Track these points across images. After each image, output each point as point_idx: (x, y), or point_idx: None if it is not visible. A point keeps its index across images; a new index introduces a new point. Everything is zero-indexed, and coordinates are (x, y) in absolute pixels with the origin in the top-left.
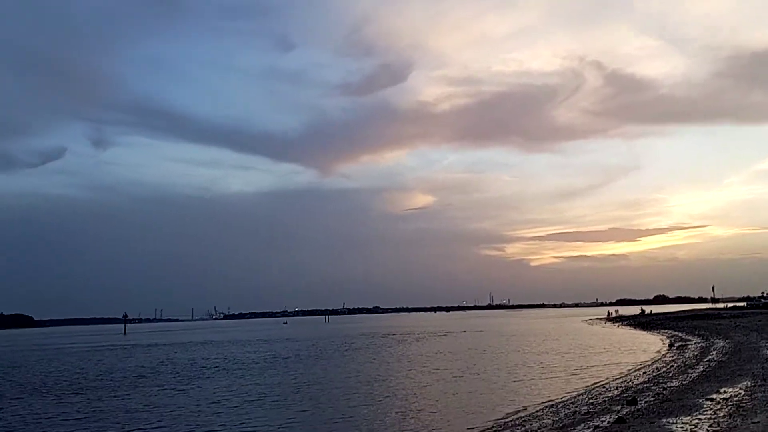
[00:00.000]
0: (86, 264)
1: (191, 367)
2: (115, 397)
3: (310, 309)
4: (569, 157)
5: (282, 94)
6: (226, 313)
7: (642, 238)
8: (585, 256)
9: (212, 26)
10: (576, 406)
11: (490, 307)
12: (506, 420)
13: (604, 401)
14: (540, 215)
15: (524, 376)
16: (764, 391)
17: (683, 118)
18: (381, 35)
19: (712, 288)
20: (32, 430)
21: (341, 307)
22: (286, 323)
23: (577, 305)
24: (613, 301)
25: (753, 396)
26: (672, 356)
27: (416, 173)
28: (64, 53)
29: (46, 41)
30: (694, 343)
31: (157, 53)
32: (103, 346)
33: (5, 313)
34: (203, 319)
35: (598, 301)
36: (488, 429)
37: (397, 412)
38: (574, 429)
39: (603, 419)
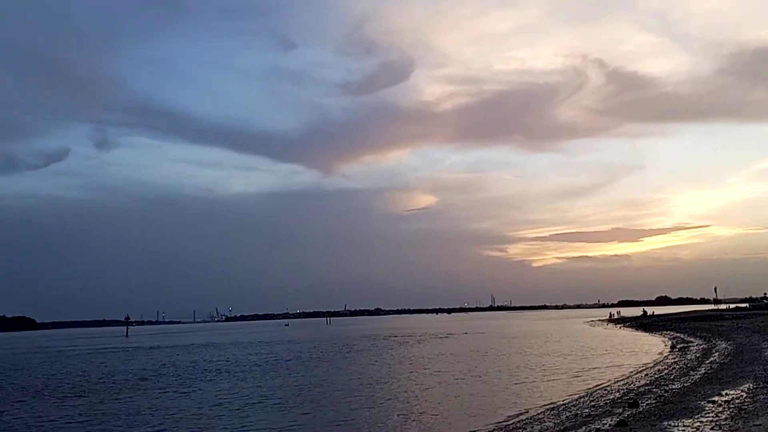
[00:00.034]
0: (88, 266)
1: (193, 369)
2: (117, 399)
3: (311, 311)
4: (571, 156)
5: (283, 94)
6: (228, 315)
7: (644, 239)
8: (587, 256)
9: (213, 26)
10: (577, 409)
11: (491, 308)
12: (508, 423)
13: (606, 404)
14: (542, 215)
15: (526, 378)
16: (766, 393)
17: (685, 116)
18: (382, 34)
19: (715, 289)
20: None
21: (343, 308)
22: (287, 325)
23: (579, 306)
24: (615, 302)
25: (755, 398)
26: (674, 358)
27: (418, 173)
28: (66, 54)
29: (47, 42)
30: (696, 345)
31: (159, 54)
32: (105, 348)
33: (7, 316)
34: (205, 321)
35: (600, 302)
36: (491, 431)
37: (399, 415)
38: (576, 431)
39: (604, 422)
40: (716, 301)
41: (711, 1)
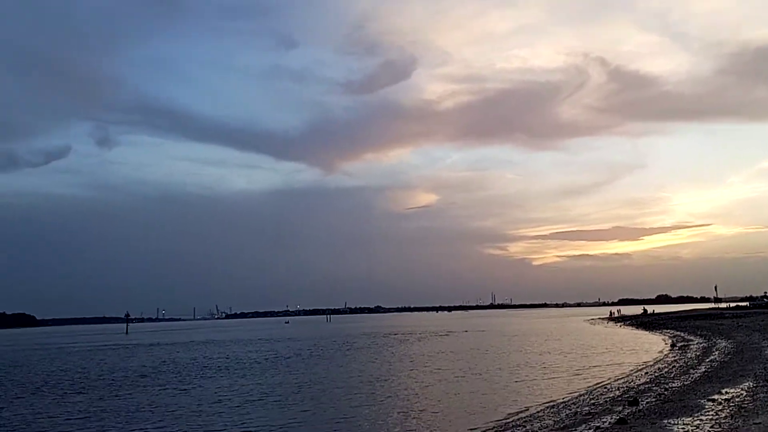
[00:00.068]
0: (89, 263)
1: (193, 366)
2: (117, 396)
3: (311, 308)
4: (573, 154)
5: (284, 93)
6: (228, 313)
7: (645, 237)
8: (588, 255)
9: (214, 25)
10: (577, 407)
11: (492, 306)
12: (508, 420)
13: (606, 402)
14: (543, 213)
15: (526, 376)
16: (766, 392)
17: (687, 115)
18: (383, 33)
19: (715, 287)
20: (34, 430)
21: (343, 306)
22: (287, 323)
23: (579, 305)
24: (616, 300)
25: (755, 397)
26: (674, 356)
27: (419, 171)
28: (67, 53)
29: (48, 42)
30: (696, 344)
31: (160, 53)
32: (105, 345)
33: (7, 313)
34: (205, 319)
35: (601, 300)
36: (490, 429)
37: (399, 412)
38: (576, 429)
39: (604, 420)
40: (716, 300)
41: (711, 1)
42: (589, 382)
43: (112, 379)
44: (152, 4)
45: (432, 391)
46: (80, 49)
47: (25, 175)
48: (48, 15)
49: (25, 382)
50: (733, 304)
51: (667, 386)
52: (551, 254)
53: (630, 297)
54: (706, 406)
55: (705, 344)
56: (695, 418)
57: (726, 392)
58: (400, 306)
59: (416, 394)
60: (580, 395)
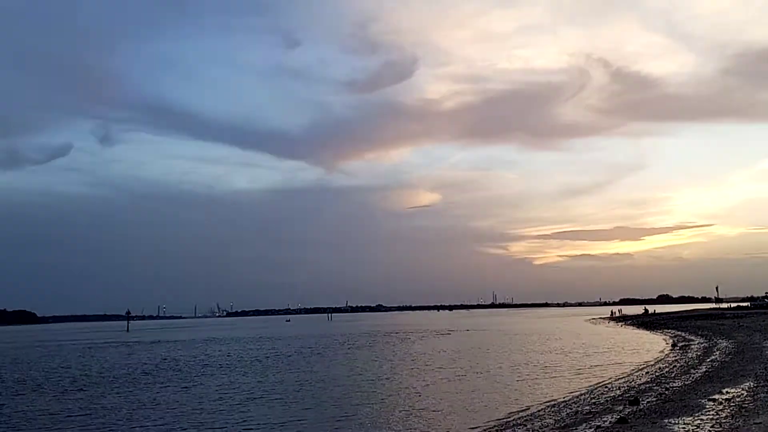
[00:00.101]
0: (90, 260)
1: (194, 364)
2: (117, 394)
3: (313, 307)
4: (575, 155)
5: (287, 91)
6: (229, 311)
7: (647, 237)
8: (589, 255)
9: (217, 23)
10: (578, 406)
11: (493, 305)
12: (509, 419)
13: (607, 401)
14: (545, 213)
15: (527, 375)
16: (767, 392)
17: (689, 116)
18: (386, 32)
19: (716, 288)
20: (34, 427)
21: (344, 305)
22: (288, 321)
23: (580, 304)
24: (617, 300)
25: (756, 397)
26: (675, 356)
27: (421, 171)
28: (70, 51)
29: (51, 39)
30: (697, 344)
31: (162, 51)
32: (106, 342)
33: (8, 310)
34: (206, 317)
35: (602, 300)
36: (491, 428)
37: (400, 411)
38: (576, 428)
39: (605, 419)
40: (717, 300)
41: (715, 2)
42: (590, 381)
43: (113, 377)
44: (155, 2)
45: (433, 390)
46: (83, 46)
47: (26, 172)
48: (51, 12)
49: (26, 379)
50: (734, 305)
51: (667, 386)
52: (553, 254)
53: (631, 297)
54: (707, 406)
55: (706, 344)
56: (696, 418)
57: (727, 392)
58: (401, 305)
59: (418, 392)
60: (581, 394)
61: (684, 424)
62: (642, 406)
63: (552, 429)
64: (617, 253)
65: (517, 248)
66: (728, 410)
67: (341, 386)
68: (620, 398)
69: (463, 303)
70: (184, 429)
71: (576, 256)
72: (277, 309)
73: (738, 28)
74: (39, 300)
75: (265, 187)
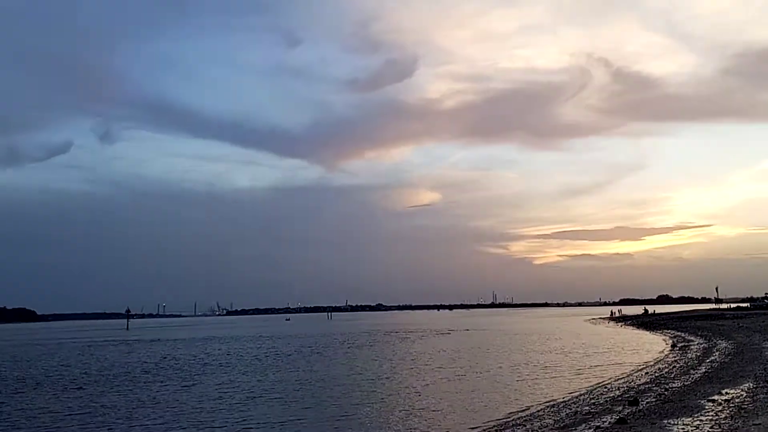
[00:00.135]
0: (90, 258)
1: (194, 362)
2: (117, 392)
3: (312, 306)
4: (575, 154)
5: (288, 90)
6: (229, 309)
7: (647, 237)
8: (589, 254)
9: (218, 22)
10: (577, 406)
11: (493, 305)
12: (508, 419)
13: (606, 401)
14: (545, 213)
15: (527, 375)
16: (766, 393)
17: (690, 116)
18: (387, 31)
19: (716, 288)
20: (34, 425)
21: (344, 304)
22: (288, 320)
23: (580, 304)
24: (617, 300)
25: (755, 397)
26: (674, 357)
27: (422, 170)
28: (70, 49)
29: (52, 37)
30: (697, 344)
31: (164, 49)
32: (106, 341)
33: (8, 308)
34: (206, 315)
35: (602, 300)
36: (490, 428)
37: (400, 411)
38: (575, 429)
39: (604, 419)
40: (717, 301)
41: (715, 2)
42: (589, 381)
43: (113, 375)
44: (156, 1)
45: (433, 390)
46: (84, 44)
47: (26, 169)
48: (51, 11)
49: (26, 377)
50: (733, 305)
51: (667, 386)
52: (553, 254)
53: (631, 297)
54: (706, 407)
55: (705, 345)
56: (695, 419)
57: (726, 393)
58: (401, 304)
59: (418, 392)
60: (581, 395)
61: (683, 424)
62: (641, 407)
63: (551, 429)
64: (617, 253)
65: (517, 248)
66: (727, 411)
67: (341, 385)
68: (620, 399)
69: (464, 302)
70: (184, 428)
71: (576, 256)
72: (277, 308)
73: (738, 28)
74: (39, 298)
75: (265, 186)
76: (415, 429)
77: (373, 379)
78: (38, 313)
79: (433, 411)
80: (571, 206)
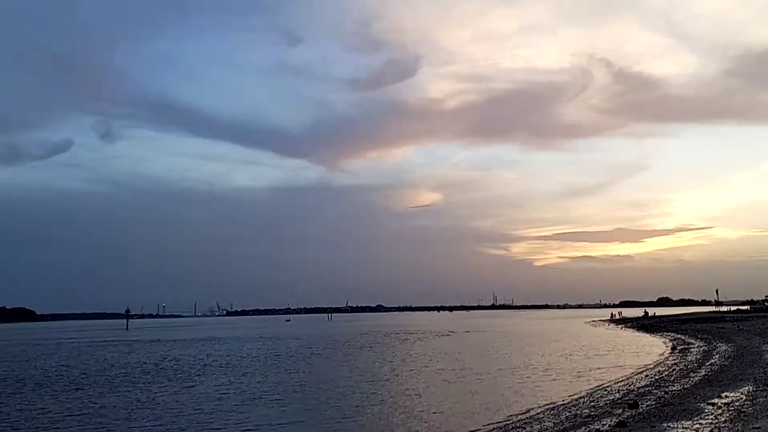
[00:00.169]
0: (90, 258)
1: (193, 363)
2: (116, 393)
3: (312, 307)
4: (576, 155)
5: (289, 89)
6: (229, 310)
7: (647, 239)
8: (590, 256)
9: (219, 21)
10: (577, 409)
11: (493, 307)
12: (508, 422)
13: (606, 404)
14: (546, 214)
15: (527, 377)
16: (766, 396)
17: (691, 117)
18: (389, 31)
19: (716, 291)
20: (33, 426)
21: (344, 305)
22: (288, 320)
23: (580, 306)
24: (617, 302)
25: (755, 401)
26: (674, 359)
27: (423, 170)
28: (71, 47)
29: (53, 35)
30: (697, 347)
31: (165, 48)
32: (105, 341)
33: (7, 307)
34: (206, 316)
35: (602, 302)
36: (490, 430)
37: (401, 413)
38: None
39: (604, 422)
40: (717, 303)
41: (717, 3)
42: (589, 384)
43: (112, 376)
44: (157, 0)
45: (434, 392)
46: (85, 43)
47: (26, 168)
48: (52, 10)
49: (24, 377)
50: (734, 308)
51: (667, 389)
52: (553, 255)
53: (631, 299)
54: (706, 410)
55: (705, 348)
56: (695, 422)
57: (726, 396)
58: (401, 305)
59: (418, 394)
60: (581, 397)
61: (683, 428)
62: (641, 410)
63: None
64: (618, 255)
65: (517, 249)
66: (727, 414)
67: (341, 387)
68: (620, 402)
69: (464, 304)
70: (183, 429)
71: (576, 257)
72: (277, 309)
73: (739, 29)
74: (38, 298)
75: (266, 185)
76: (415, 431)
77: (373, 381)
78: (37, 312)
79: (434, 413)
80: (572, 207)
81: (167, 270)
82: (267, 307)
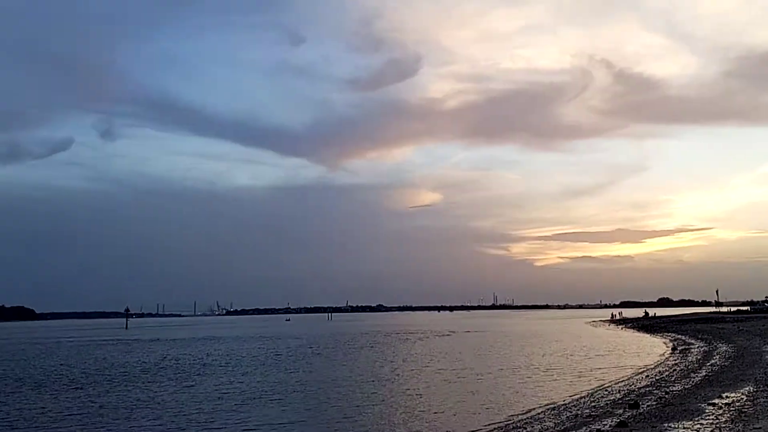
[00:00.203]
0: (89, 256)
1: (193, 363)
2: (116, 392)
3: (313, 306)
4: (576, 155)
5: (290, 89)
6: (229, 309)
7: (647, 240)
8: (590, 257)
9: (220, 20)
10: (578, 409)
11: (493, 307)
12: (509, 422)
13: (607, 404)
14: (546, 214)
15: (528, 377)
16: (767, 397)
17: (691, 118)
18: (390, 30)
19: (717, 291)
20: (32, 425)
21: (345, 304)
22: (288, 320)
23: (581, 306)
24: (617, 302)
25: (755, 401)
26: (675, 360)
27: (423, 170)
28: (72, 46)
29: (54, 34)
30: (697, 347)
31: (166, 46)
32: (105, 340)
33: (6, 306)
34: (206, 315)
35: (602, 302)
36: (492, 430)
37: (402, 413)
38: None
39: (605, 422)
40: (718, 304)
41: (718, 4)
42: (590, 384)
43: (111, 375)
44: None
45: (434, 392)
46: (86, 41)
47: (27, 166)
48: (53, 8)
49: (23, 376)
50: (734, 309)
51: (667, 390)
52: (553, 255)
53: (632, 299)
54: (707, 411)
55: (706, 348)
56: (696, 422)
57: (726, 396)
58: (401, 305)
59: (419, 394)
60: (582, 397)
61: (684, 428)
62: (642, 410)
63: None
64: (618, 256)
65: (518, 249)
66: (728, 415)
67: (342, 387)
68: (620, 402)
69: (464, 304)
70: (183, 429)
71: (577, 257)
72: (277, 308)
73: (740, 30)
74: (37, 296)
75: (267, 185)
76: (416, 431)
77: (374, 381)
78: (37, 311)
79: (435, 413)
80: (572, 207)
81: (167, 269)
82: (267, 307)
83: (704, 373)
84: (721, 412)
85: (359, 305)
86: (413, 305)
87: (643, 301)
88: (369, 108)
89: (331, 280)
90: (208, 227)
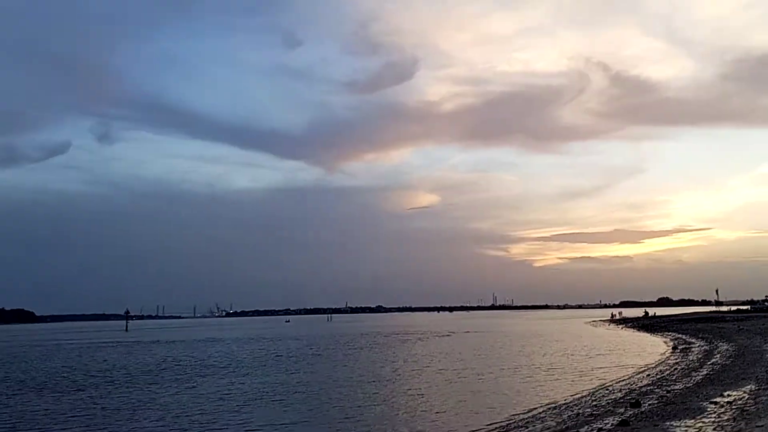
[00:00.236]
0: (89, 259)
1: (193, 364)
2: (117, 394)
3: (312, 307)
4: (574, 157)
5: (288, 91)
6: (229, 311)
7: (646, 240)
8: (589, 257)
9: (218, 22)
10: (579, 408)
11: (493, 307)
12: (510, 421)
13: (608, 403)
14: (544, 216)
15: (528, 377)
16: None
17: (688, 120)
18: (387, 33)
19: (716, 291)
20: (33, 427)
21: (344, 306)
22: (288, 321)
23: (580, 307)
24: (617, 302)
25: (757, 399)
26: (676, 359)
27: (421, 172)
28: (70, 48)
29: (51, 36)
30: (698, 346)
31: (163, 49)
32: (105, 342)
33: (6, 308)
34: (205, 317)
35: (602, 302)
36: (493, 430)
37: (404, 413)
38: (578, 431)
39: (606, 422)
40: (717, 303)
41: (715, 7)
42: (591, 383)
43: (112, 377)
44: (159, 1)
45: (435, 392)
46: (83, 43)
47: (25, 170)
48: (51, 10)
49: (25, 378)
50: (734, 308)
51: (669, 388)
52: (552, 256)
53: (631, 299)
54: (708, 409)
55: (706, 347)
56: (697, 421)
57: (728, 395)
58: (401, 306)
59: (420, 394)
60: (583, 397)
61: (686, 426)
62: (643, 409)
63: (553, 431)
64: (617, 256)
65: (517, 250)
66: (730, 413)
67: (343, 387)
68: (622, 401)
69: (464, 304)
70: (186, 430)
71: (576, 258)
72: (276, 309)
73: (737, 33)
74: (37, 299)
75: (265, 187)
76: (418, 431)
77: (374, 381)
78: (37, 314)
79: (436, 413)
80: (570, 209)
81: (167, 271)
82: (266, 308)
83: (705, 372)
84: (723, 410)
85: (359, 306)
86: (413, 306)
87: (643, 300)
88: (367, 110)
89: (331, 282)
90: (208, 229)
